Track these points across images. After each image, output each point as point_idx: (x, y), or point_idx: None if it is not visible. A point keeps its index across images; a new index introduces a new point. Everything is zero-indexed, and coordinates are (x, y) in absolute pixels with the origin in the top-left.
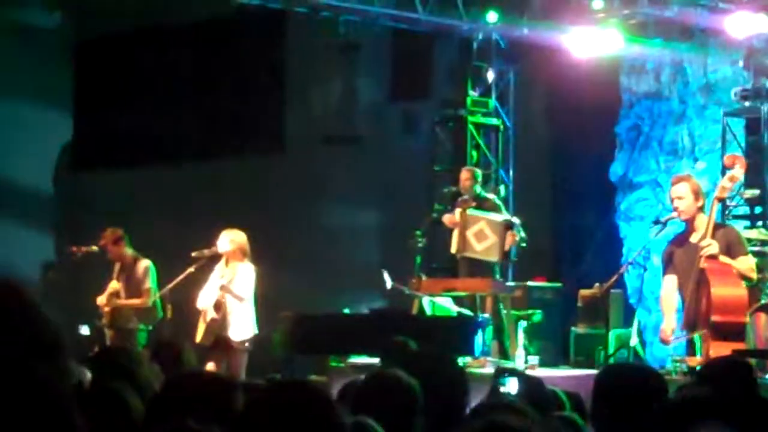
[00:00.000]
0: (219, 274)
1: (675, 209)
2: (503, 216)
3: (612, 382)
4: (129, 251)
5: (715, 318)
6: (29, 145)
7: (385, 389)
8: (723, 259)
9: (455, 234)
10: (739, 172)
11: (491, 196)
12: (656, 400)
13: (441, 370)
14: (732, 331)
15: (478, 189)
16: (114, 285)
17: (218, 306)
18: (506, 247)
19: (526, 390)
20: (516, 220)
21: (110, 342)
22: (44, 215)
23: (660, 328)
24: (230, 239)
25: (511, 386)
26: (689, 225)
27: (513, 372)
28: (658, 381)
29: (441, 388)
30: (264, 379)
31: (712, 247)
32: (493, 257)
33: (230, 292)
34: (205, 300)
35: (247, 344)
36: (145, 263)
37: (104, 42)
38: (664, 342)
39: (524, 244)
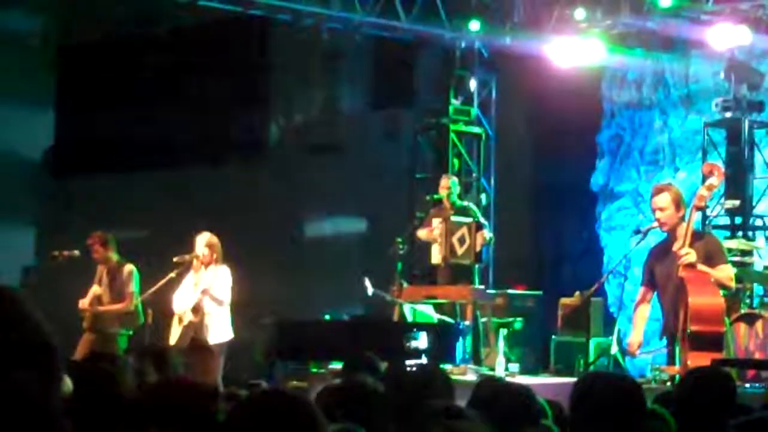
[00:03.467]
0: (193, 277)
1: (657, 220)
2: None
3: (590, 390)
4: (114, 256)
5: (692, 327)
6: (11, 149)
7: (353, 394)
8: (701, 267)
9: (437, 244)
10: (716, 180)
11: (468, 203)
12: (634, 408)
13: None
14: (709, 341)
15: (455, 197)
16: (96, 289)
17: (197, 309)
18: (477, 248)
19: (508, 400)
20: (484, 221)
21: (91, 346)
22: (26, 219)
23: (627, 341)
24: (206, 242)
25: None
26: (671, 235)
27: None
28: (636, 390)
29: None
30: (245, 385)
31: (690, 255)
32: (468, 259)
33: (211, 296)
34: (181, 303)
35: (223, 347)
36: (129, 267)
37: (87, 47)
38: (630, 355)
39: (490, 244)
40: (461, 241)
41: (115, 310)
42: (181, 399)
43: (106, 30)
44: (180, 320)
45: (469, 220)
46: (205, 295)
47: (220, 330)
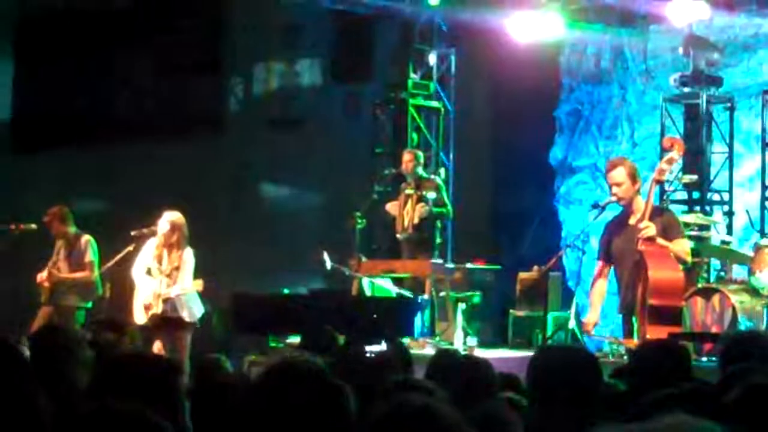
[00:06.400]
0: (156, 250)
1: (614, 195)
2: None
3: (547, 363)
4: (72, 228)
5: (651, 301)
6: None
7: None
8: (660, 241)
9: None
10: (677, 154)
11: (433, 177)
12: (590, 381)
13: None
14: (668, 315)
15: (420, 170)
16: (54, 261)
17: (167, 300)
18: (415, 221)
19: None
20: (432, 195)
21: (48, 320)
22: None
23: (584, 320)
24: (170, 221)
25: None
26: (627, 208)
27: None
28: (592, 362)
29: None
30: (208, 358)
31: (650, 229)
32: (407, 233)
33: (182, 289)
34: (142, 274)
35: (196, 323)
36: (86, 237)
37: (45, 21)
38: (586, 333)
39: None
40: (407, 214)
41: (74, 278)
42: (142, 372)
43: (64, 2)
44: (147, 308)
45: (411, 192)
46: (181, 295)
47: (195, 308)
